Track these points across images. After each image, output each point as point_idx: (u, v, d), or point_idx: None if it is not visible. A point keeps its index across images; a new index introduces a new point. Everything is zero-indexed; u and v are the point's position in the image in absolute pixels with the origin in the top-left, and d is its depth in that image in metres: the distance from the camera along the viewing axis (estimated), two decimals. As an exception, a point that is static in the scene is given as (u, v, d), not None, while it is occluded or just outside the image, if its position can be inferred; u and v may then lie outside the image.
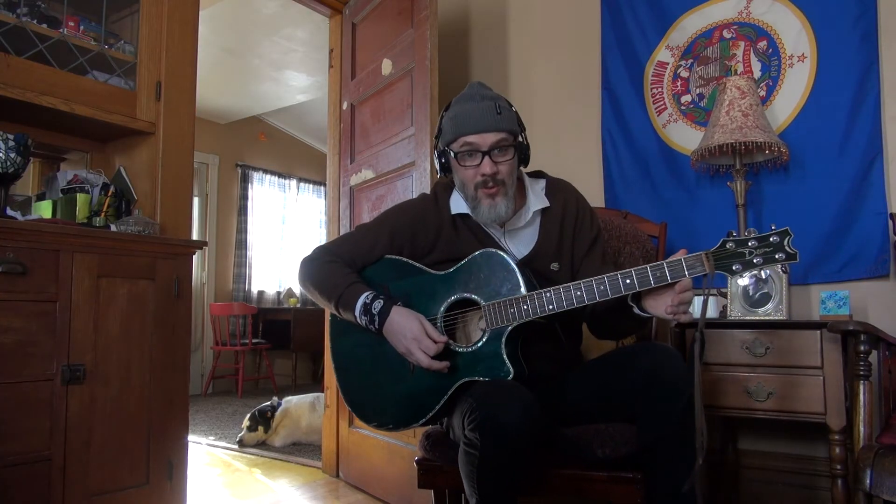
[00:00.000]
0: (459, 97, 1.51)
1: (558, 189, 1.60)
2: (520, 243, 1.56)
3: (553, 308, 1.34)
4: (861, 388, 1.58)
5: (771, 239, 1.24)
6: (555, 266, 1.54)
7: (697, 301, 1.57)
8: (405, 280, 1.52)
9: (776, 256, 1.23)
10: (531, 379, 1.39)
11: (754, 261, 1.25)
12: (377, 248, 1.56)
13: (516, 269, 1.39)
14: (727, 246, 1.27)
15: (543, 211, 1.56)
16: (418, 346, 1.37)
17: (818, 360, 1.77)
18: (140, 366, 1.92)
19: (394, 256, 1.56)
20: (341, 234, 2.91)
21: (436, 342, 1.37)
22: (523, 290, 1.37)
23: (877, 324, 1.70)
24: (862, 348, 1.61)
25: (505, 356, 1.37)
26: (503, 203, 1.47)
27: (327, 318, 2.99)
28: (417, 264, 1.53)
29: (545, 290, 1.35)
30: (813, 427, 2.04)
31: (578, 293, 1.33)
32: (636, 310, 1.38)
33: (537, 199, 1.55)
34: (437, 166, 1.56)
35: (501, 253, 1.43)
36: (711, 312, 2.02)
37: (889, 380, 1.69)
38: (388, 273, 1.54)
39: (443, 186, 1.62)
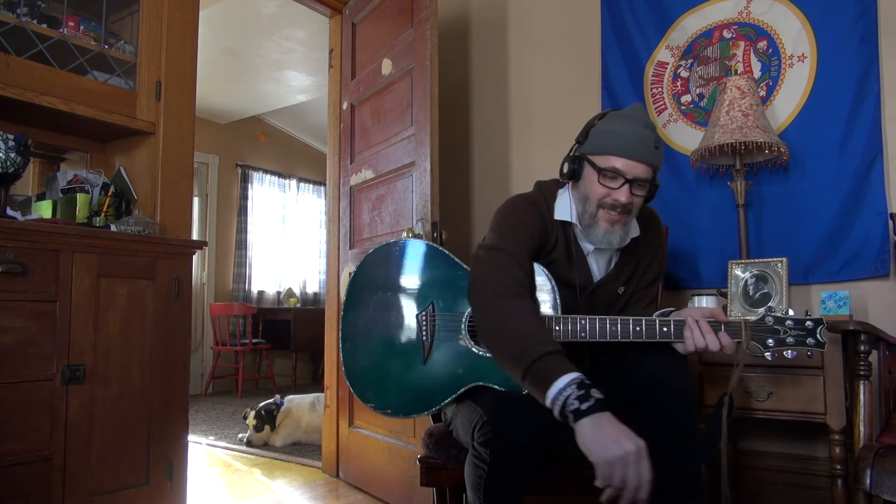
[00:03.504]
0: (620, 114, 1.44)
1: (650, 218, 1.59)
2: (601, 263, 1.54)
3: (584, 336, 1.34)
4: (861, 387, 1.58)
5: (807, 324, 1.31)
6: (621, 290, 1.54)
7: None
8: (439, 271, 1.48)
9: (807, 342, 1.31)
10: None
11: (787, 340, 1.32)
12: (528, 256, 1.43)
13: (556, 291, 1.39)
14: (766, 320, 1.32)
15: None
16: (631, 469, 1.07)
17: (818, 359, 1.77)
18: (140, 366, 1.92)
19: (432, 244, 1.51)
20: (341, 234, 2.91)
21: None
22: (558, 312, 1.37)
23: (877, 324, 1.70)
24: (862, 348, 1.61)
25: None
26: (620, 232, 1.44)
27: (331, 303, 2.99)
28: (454, 258, 1.49)
29: (580, 317, 1.34)
30: (813, 427, 2.04)
31: (613, 329, 1.33)
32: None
33: (633, 227, 1.52)
34: (564, 170, 1.48)
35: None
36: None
37: (889, 380, 1.69)
38: (421, 261, 1.51)
39: (549, 189, 1.55)
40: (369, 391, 1.48)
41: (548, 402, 1.16)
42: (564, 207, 1.50)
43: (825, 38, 2.19)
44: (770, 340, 1.31)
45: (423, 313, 1.44)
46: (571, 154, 1.48)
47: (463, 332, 1.43)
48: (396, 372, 1.45)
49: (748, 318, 1.35)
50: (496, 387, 1.37)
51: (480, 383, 1.39)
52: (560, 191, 1.54)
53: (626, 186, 1.38)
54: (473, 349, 1.41)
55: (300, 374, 6.37)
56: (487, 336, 1.32)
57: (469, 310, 1.43)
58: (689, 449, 1.29)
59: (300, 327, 6.04)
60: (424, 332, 1.43)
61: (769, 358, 1.32)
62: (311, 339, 5.87)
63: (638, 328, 1.32)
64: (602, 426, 1.10)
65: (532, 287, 1.38)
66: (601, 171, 1.39)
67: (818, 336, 1.30)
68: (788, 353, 1.31)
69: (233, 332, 5.78)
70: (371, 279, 1.52)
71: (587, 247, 1.50)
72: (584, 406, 1.11)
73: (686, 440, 1.29)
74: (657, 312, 1.44)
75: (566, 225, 1.49)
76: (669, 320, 1.33)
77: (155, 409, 1.95)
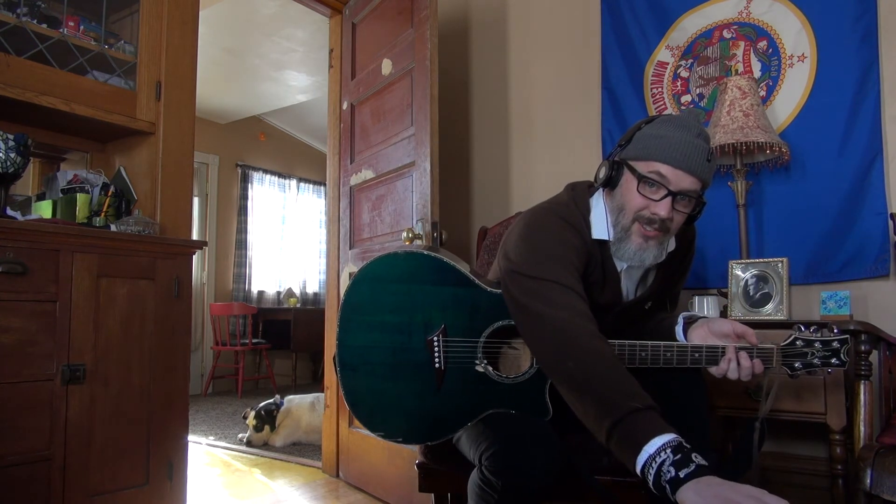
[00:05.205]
0: (671, 119, 1.29)
1: (688, 230, 1.45)
2: (633, 280, 1.44)
3: None
4: (861, 387, 1.58)
5: (833, 343, 1.29)
6: (648, 305, 1.47)
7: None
8: (447, 289, 1.34)
9: (832, 361, 1.29)
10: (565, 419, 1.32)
11: (814, 361, 1.30)
12: (581, 284, 1.29)
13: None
14: (796, 343, 1.30)
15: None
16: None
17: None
18: (140, 366, 1.92)
19: (437, 257, 1.36)
20: (341, 234, 2.91)
21: None
22: None
23: (877, 324, 1.70)
24: (862, 348, 1.61)
25: (548, 397, 1.31)
26: (654, 250, 1.30)
27: (331, 303, 2.99)
28: (463, 271, 1.35)
29: (610, 341, 1.24)
30: (813, 427, 2.04)
31: (644, 354, 1.28)
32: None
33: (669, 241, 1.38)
34: (600, 175, 1.35)
35: None
36: (714, 315, 2.02)
37: (889, 380, 1.69)
38: (424, 275, 1.35)
39: (583, 200, 1.39)
40: (377, 420, 1.37)
41: (638, 470, 0.99)
42: (601, 223, 1.36)
43: (825, 38, 2.19)
44: (797, 364, 1.29)
45: (435, 338, 1.33)
46: (611, 158, 1.35)
47: (479, 357, 1.33)
48: (407, 400, 1.35)
49: (779, 343, 1.30)
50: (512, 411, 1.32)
51: (499, 410, 1.33)
52: (593, 199, 1.39)
53: (668, 199, 1.24)
54: (492, 375, 1.33)
55: (300, 374, 6.37)
56: (562, 388, 1.19)
57: (486, 333, 1.34)
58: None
59: (300, 327, 6.04)
60: (437, 359, 1.32)
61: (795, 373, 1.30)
62: (311, 339, 5.88)
63: (669, 354, 1.26)
64: (710, 487, 0.93)
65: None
66: (642, 179, 1.25)
67: (842, 356, 1.28)
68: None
69: (233, 332, 5.78)
70: (370, 300, 1.37)
71: (620, 264, 1.38)
72: (683, 473, 0.94)
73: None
74: (682, 315, 1.40)
75: (602, 243, 1.36)
76: (702, 346, 1.28)
77: (155, 409, 1.94)
